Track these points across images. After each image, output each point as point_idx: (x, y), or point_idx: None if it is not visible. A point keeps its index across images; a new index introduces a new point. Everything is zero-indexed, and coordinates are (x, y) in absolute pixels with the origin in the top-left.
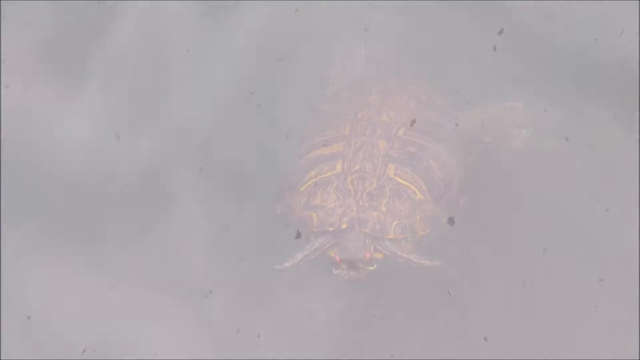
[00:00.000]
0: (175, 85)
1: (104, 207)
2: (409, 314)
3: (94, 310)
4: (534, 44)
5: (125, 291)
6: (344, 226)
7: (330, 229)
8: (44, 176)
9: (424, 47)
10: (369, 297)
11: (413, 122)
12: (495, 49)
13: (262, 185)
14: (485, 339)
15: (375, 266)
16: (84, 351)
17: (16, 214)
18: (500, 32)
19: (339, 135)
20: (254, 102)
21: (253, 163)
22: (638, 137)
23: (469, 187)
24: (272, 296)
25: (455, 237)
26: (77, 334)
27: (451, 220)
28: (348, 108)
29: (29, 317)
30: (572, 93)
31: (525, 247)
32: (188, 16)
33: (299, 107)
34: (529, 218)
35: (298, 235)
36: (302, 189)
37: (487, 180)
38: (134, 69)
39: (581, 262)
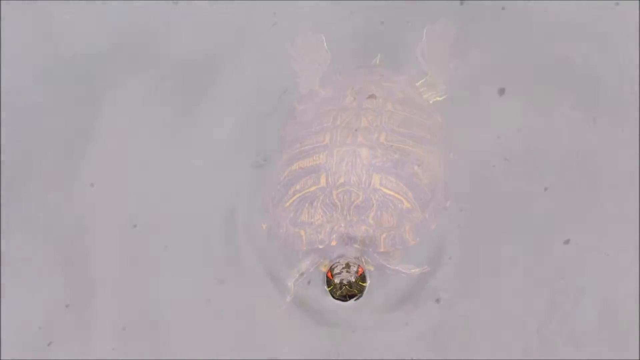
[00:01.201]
0: None
1: None
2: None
3: None
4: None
5: None
6: (333, 243)
7: (320, 246)
8: None
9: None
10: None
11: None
12: None
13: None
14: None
15: (369, 282)
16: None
17: None
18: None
19: (320, 145)
20: None
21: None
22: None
23: (453, 188)
24: None
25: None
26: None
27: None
28: (325, 112)
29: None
30: None
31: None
32: None
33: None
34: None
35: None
36: (287, 204)
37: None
38: None
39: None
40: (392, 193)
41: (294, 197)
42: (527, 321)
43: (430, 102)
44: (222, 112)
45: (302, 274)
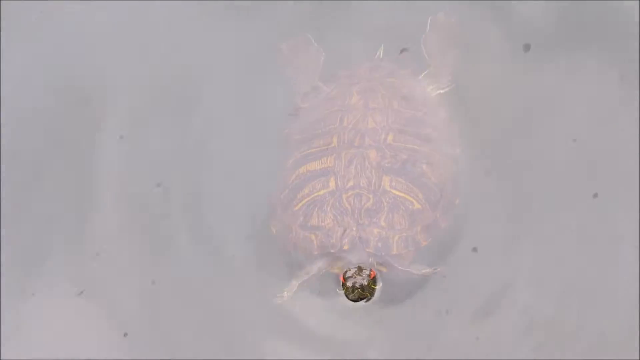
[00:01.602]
0: None
1: None
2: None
3: None
4: None
5: None
6: (345, 247)
7: (332, 251)
8: None
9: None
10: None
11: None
12: None
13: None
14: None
15: (381, 284)
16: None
17: None
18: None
19: (328, 147)
20: None
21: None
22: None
23: (462, 184)
24: None
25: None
26: None
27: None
28: (331, 112)
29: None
30: None
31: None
32: None
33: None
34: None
35: None
36: (297, 207)
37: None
38: None
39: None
40: (402, 194)
41: (303, 201)
42: None
43: (433, 95)
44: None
45: (310, 277)
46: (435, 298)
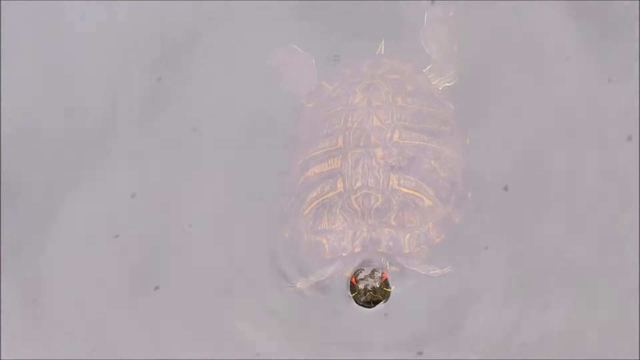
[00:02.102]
0: None
1: None
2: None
3: None
4: None
5: None
6: (357, 250)
7: (343, 254)
8: None
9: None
10: None
11: None
12: None
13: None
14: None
15: (393, 287)
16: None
17: None
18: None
19: (334, 149)
20: None
21: None
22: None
23: (473, 177)
24: None
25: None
26: None
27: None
28: (335, 112)
29: None
30: None
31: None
32: None
33: None
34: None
35: None
36: (306, 212)
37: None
38: None
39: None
40: (411, 192)
41: (312, 205)
42: None
43: (440, 88)
44: None
45: (326, 277)
46: None
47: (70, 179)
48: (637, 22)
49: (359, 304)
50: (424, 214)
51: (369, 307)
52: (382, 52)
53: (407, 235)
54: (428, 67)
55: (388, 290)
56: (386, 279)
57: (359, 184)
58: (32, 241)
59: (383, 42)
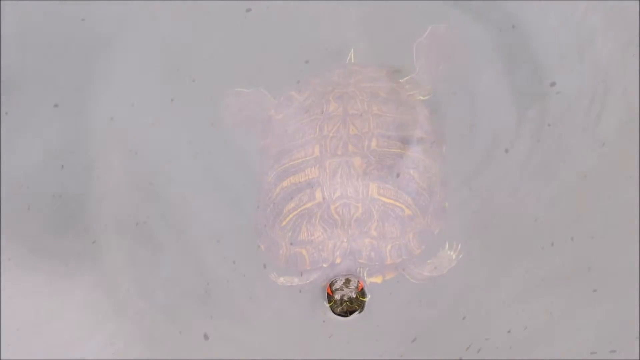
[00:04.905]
0: None
1: None
2: None
3: None
4: None
5: None
6: (338, 260)
7: (324, 265)
8: None
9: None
10: None
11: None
12: None
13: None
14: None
15: (369, 296)
16: None
17: None
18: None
19: (310, 158)
20: None
21: None
22: None
23: (449, 185)
24: None
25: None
26: None
27: None
28: (309, 121)
29: None
30: None
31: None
32: None
33: None
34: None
35: None
36: (284, 223)
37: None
38: None
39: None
40: (391, 201)
41: (290, 216)
42: None
43: (416, 99)
44: None
45: (308, 283)
46: None
47: None
48: (637, 21)
49: (336, 314)
50: (404, 225)
51: (345, 317)
52: (352, 60)
53: (389, 247)
54: (406, 78)
55: (364, 299)
56: (362, 289)
57: (338, 193)
58: None
59: (352, 50)
